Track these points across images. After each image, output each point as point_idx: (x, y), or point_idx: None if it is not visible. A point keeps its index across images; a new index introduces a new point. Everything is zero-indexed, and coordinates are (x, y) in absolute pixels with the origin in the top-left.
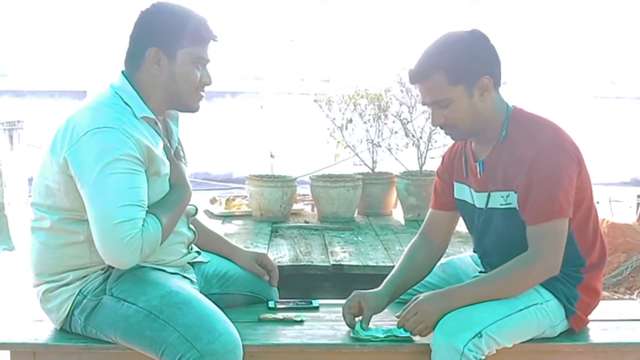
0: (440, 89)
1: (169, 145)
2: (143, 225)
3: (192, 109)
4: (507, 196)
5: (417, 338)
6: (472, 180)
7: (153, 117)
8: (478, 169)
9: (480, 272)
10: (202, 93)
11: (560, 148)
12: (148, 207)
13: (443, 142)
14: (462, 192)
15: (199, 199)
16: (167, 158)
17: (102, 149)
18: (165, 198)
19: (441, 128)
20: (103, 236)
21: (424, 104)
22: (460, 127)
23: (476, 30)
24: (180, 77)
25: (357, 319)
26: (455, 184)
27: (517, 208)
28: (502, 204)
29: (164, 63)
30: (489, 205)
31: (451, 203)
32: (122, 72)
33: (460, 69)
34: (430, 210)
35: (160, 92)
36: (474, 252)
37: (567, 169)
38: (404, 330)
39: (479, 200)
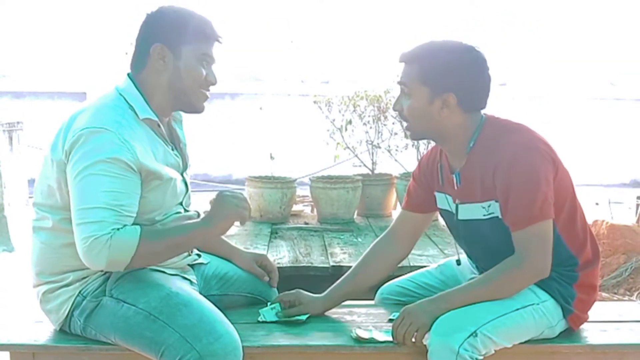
0: (410, 78)
1: (175, 148)
2: (119, 230)
3: (198, 108)
4: (489, 206)
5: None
6: (451, 191)
7: (156, 119)
8: (455, 181)
9: (470, 278)
10: (208, 93)
11: (534, 150)
12: (152, 216)
13: None
14: (443, 201)
15: (199, 201)
16: (177, 163)
17: (91, 149)
18: (181, 224)
19: (400, 117)
20: (75, 234)
21: (397, 82)
22: (412, 124)
23: (475, 51)
24: (185, 74)
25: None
26: (436, 194)
27: (500, 216)
28: (484, 215)
29: (168, 59)
30: (472, 217)
31: (422, 205)
32: (128, 74)
33: (432, 74)
34: (401, 210)
35: (165, 90)
36: (468, 257)
37: (544, 171)
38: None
39: (461, 211)
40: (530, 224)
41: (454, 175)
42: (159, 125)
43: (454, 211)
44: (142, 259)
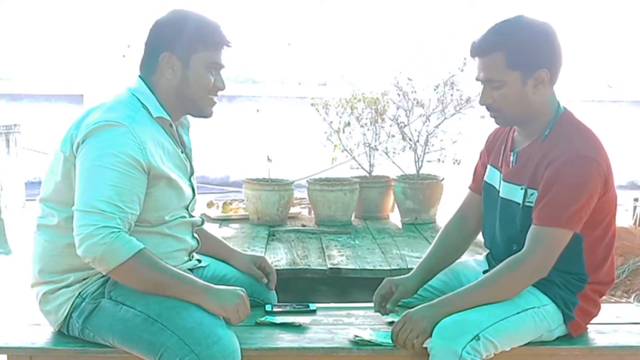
0: (496, 69)
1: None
2: (125, 234)
3: (206, 114)
4: (531, 194)
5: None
6: (504, 168)
7: (168, 118)
8: (511, 159)
9: (484, 271)
10: (215, 99)
11: (594, 163)
12: (161, 215)
13: (440, 145)
14: (493, 176)
15: (197, 203)
16: (186, 167)
17: (103, 141)
18: (183, 273)
19: (487, 109)
20: (75, 219)
21: (477, 79)
22: (506, 112)
23: (548, 23)
24: (194, 82)
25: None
26: (489, 166)
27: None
28: (523, 201)
29: (177, 68)
30: (512, 198)
31: None
32: (140, 75)
33: (521, 55)
34: (468, 191)
35: (174, 96)
36: (484, 239)
37: (592, 186)
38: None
39: (504, 189)
40: (552, 224)
41: (512, 153)
42: (171, 125)
43: (499, 187)
44: (124, 274)
